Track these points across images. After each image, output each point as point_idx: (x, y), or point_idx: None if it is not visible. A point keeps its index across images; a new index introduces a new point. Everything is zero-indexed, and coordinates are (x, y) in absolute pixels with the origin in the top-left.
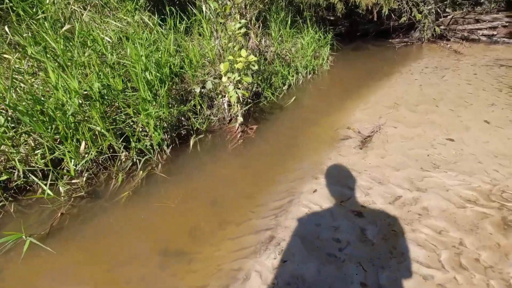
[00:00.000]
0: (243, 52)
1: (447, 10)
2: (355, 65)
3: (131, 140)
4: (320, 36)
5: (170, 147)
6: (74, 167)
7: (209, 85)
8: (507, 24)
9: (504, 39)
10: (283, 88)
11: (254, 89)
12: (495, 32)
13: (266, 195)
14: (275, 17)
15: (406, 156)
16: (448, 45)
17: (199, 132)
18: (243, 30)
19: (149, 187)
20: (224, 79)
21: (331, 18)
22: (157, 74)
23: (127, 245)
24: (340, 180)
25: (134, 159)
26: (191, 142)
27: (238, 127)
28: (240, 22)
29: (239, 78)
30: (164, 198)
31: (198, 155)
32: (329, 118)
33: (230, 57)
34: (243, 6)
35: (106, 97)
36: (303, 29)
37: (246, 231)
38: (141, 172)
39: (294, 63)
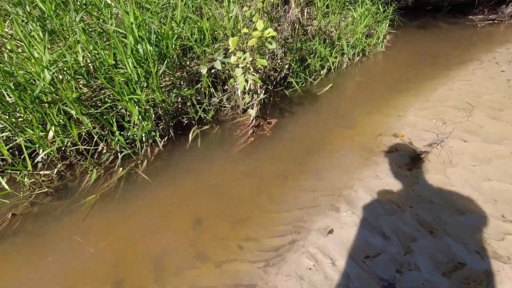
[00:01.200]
0: (259, 24)
1: None
2: (419, 48)
3: (112, 129)
4: (379, 9)
5: (164, 139)
6: (43, 157)
7: (218, 65)
8: None
9: None
10: (321, 72)
11: (283, 70)
12: None
13: (263, 226)
14: None
15: (479, 190)
16: None
17: (205, 122)
18: None
19: (124, 191)
20: (232, 59)
21: None
22: (156, 47)
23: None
24: (371, 219)
25: (118, 153)
26: (191, 135)
27: (252, 121)
28: None
29: (250, 59)
30: (116, 220)
31: (196, 152)
32: (371, 118)
33: (245, 30)
34: None
35: (93, 73)
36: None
37: (223, 278)
38: (120, 169)
39: (340, 41)
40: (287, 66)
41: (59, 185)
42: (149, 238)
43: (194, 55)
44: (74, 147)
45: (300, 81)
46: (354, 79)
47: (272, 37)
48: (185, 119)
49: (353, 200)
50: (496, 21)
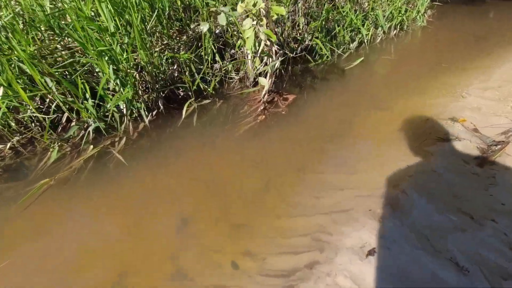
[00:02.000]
0: None
1: None
2: (465, 25)
3: (78, 94)
4: None
5: (152, 113)
6: None
7: (222, 20)
8: None
9: None
10: (351, 45)
11: (304, 40)
12: None
13: (269, 236)
14: None
15: None
16: None
17: (205, 95)
18: None
19: (90, 176)
20: (239, 7)
21: None
22: None
23: None
24: (433, 237)
25: (89, 126)
26: (185, 109)
27: (264, 95)
28: None
29: (262, 5)
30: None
31: (190, 132)
32: (414, 99)
33: None
34: None
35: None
36: None
37: None
38: (91, 147)
39: (374, 12)
40: (310, 37)
41: (12, 163)
42: (109, 247)
43: (196, 11)
44: (25, 115)
45: (325, 54)
46: (390, 55)
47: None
48: (181, 90)
49: (402, 205)
50: None
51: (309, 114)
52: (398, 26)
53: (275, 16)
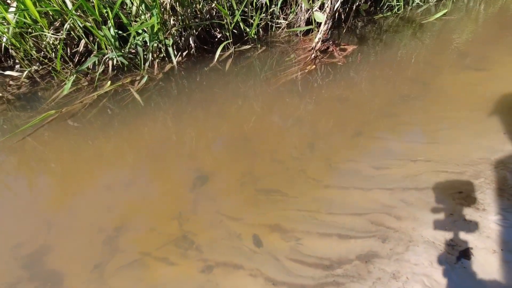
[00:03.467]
0: None
1: None
2: None
3: (98, 19)
4: None
5: (182, 53)
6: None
7: None
8: None
9: None
10: None
11: None
12: None
13: (309, 209)
14: None
15: None
16: None
17: (246, 40)
18: None
19: (100, 114)
20: None
21: None
22: None
23: None
24: None
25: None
26: (218, 52)
27: (317, 42)
28: None
29: None
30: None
31: (220, 78)
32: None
33: None
34: None
35: None
36: None
37: None
38: (108, 83)
39: None
40: None
41: (28, 92)
42: (105, 199)
43: None
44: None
45: (398, 5)
46: (486, 6)
47: None
48: (218, 31)
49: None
50: None
51: (374, 69)
52: None
53: None
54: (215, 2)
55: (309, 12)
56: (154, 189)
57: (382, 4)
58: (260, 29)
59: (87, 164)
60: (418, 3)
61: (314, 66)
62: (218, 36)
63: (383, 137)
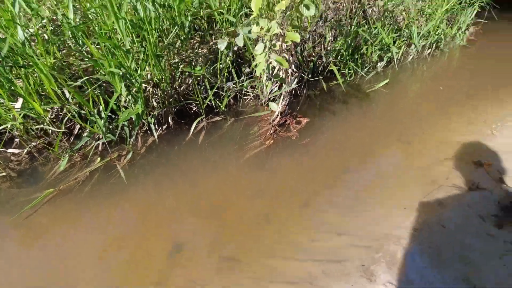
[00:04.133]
0: None
1: None
2: (511, 48)
3: (90, 108)
4: None
5: (162, 127)
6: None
7: (239, 41)
8: None
9: None
10: (378, 64)
11: (329, 57)
12: None
13: (257, 276)
14: None
15: None
16: None
17: (217, 112)
18: None
19: (92, 189)
20: (254, 28)
21: None
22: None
23: None
24: None
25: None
26: (193, 127)
27: (275, 118)
28: None
29: (277, 31)
30: None
31: (194, 151)
32: (439, 132)
33: None
34: None
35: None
36: None
37: None
38: (98, 159)
39: (409, 28)
40: (334, 54)
41: (27, 168)
42: (93, 267)
43: (217, 26)
44: (38, 126)
45: (349, 73)
46: (421, 77)
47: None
48: (194, 105)
49: (400, 264)
50: None
51: (321, 141)
52: (434, 45)
53: (290, 42)
54: (191, 86)
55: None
56: (137, 257)
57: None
58: (231, 99)
59: (82, 239)
60: (362, 74)
61: (272, 141)
62: (194, 109)
63: (322, 209)
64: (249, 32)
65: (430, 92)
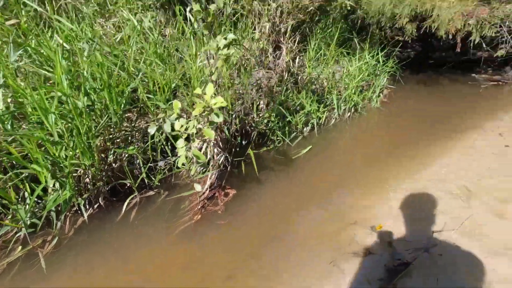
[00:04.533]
0: (210, 88)
1: None
2: (417, 107)
3: (10, 199)
4: (378, 62)
5: (93, 206)
6: None
7: (167, 127)
8: None
9: None
10: (304, 129)
11: (258, 126)
12: None
13: None
14: (318, 32)
15: None
16: None
17: (151, 186)
18: (230, 51)
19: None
20: (177, 125)
21: (399, 38)
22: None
23: None
24: None
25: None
26: (124, 206)
27: (201, 195)
28: (226, 38)
29: (194, 131)
30: None
31: (126, 228)
32: (349, 197)
33: (198, 91)
34: (276, 14)
35: None
36: (358, 49)
37: None
38: (20, 247)
39: (331, 95)
40: (265, 121)
41: None
42: None
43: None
44: None
45: (278, 139)
46: (340, 140)
47: (222, 108)
48: (127, 181)
49: None
50: (500, 83)
51: (246, 213)
52: (353, 108)
53: (207, 137)
54: (123, 165)
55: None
56: None
57: (265, 139)
58: (166, 170)
59: None
60: (296, 134)
61: (199, 216)
62: (127, 186)
63: (244, 280)
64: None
65: (348, 155)
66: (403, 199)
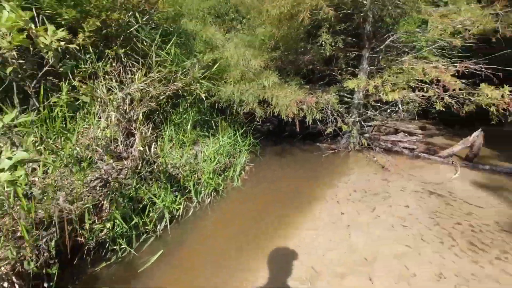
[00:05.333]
0: None
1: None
2: (275, 180)
3: None
4: (237, 140)
5: None
6: None
7: None
8: (422, 139)
9: (423, 154)
10: (157, 227)
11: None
12: (415, 147)
13: None
14: (174, 117)
15: None
16: (375, 158)
17: None
18: (18, 172)
19: None
20: None
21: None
22: None
23: None
24: None
25: None
26: None
27: None
28: (10, 158)
29: None
30: None
31: None
32: None
33: None
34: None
35: None
36: (219, 130)
37: None
38: None
39: (189, 182)
40: (109, 225)
41: None
42: None
43: None
44: None
45: (122, 248)
46: (199, 233)
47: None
48: None
49: None
50: (336, 150)
51: None
52: (213, 192)
53: None
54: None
55: None
56: None
57: (105, 249)
58: None
59: None
60: (146, 236)
61: None
62: None
63: None
64: None
65: (205, 251)
66: None
